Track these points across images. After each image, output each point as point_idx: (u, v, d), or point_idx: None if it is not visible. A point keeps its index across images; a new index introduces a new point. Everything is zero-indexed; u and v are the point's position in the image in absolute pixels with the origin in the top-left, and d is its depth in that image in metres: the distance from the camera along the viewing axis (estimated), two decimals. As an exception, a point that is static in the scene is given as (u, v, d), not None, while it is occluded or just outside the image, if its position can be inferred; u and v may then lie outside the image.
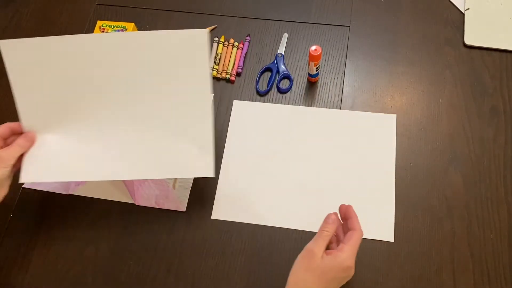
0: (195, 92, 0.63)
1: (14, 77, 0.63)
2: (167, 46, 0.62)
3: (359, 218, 0.65)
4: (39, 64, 0.63)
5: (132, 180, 0.72)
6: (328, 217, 0.59)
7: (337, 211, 0.62)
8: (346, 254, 0.55)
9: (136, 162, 0.63)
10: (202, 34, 0.62)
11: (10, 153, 0.62)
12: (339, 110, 0.77)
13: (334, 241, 0.61)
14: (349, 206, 0.61)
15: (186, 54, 0.62)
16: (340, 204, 0.62)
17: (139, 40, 0.63)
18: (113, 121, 0.64)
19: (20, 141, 0.63)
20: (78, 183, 0.74)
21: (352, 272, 0.56)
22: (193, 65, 0.63)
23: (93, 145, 0.64)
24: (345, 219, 0.61)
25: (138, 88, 0.64)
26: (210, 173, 0.63)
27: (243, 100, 0.79)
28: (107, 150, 0.64)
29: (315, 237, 0.58)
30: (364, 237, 0.67)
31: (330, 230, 0.58)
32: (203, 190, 0.73)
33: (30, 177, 0.63)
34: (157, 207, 0.72)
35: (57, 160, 0.64)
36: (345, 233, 0.59)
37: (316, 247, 0.56)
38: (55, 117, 0.64)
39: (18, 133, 0.65)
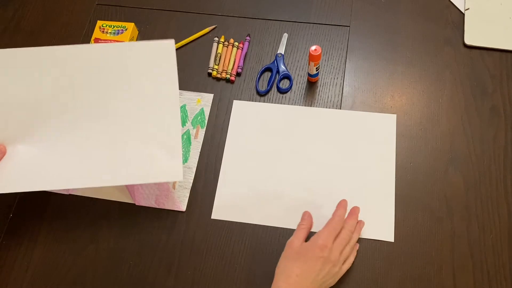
0: (163, 99, 0.64)
1: None
2: (135, 56, 0.64)
3: (358, 217, 0.67)
4: (4, 75, 0.64)
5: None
6: (303, 213, 0.66)
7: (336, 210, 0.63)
8: (321, 236, 0.61)
9: (106, 168, 0.63)
10: (169, 44, 0.64)
11: None
12: (339, 110, 0.77)
13: None
14: (341, 200, 0.67)
15: (155, 64, 0.64)
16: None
17: (108, 51, 0.65)
18: (82, 129, 0.64)
19: None
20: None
21: (331, 254, 0.60)
22: (161, 74, 0.64)
23: (63, 154, 0.64)
24: None
25: (106, 97, 0.65)
26: (179, 177, 0.63)
27: (243, 100, 0.79)
28: (77, 158, 0.64)
29: (294, 232, 0.64)
30: (364, 237, 0.68)
31: (306, 223, 0.65)
32: (203, 190, 0.73)
33: (1, 188, 0.63)
34: (157, 207, 0.72)
35: (28, 171, 0.64)
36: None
37: (295, 238, 0.62)
38: (24, 128, 0.64)
39: None
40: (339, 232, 0.62)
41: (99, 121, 0.64)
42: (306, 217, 0.66)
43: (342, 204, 0.66)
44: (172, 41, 0.64)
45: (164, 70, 0.64)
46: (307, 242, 0.62)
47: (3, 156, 0.64)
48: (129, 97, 0.65)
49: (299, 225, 0.65)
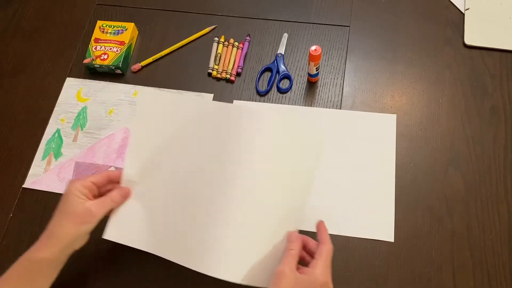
0: (301, 188, 0.60)
1: (137, 124, 0.63)
2: (290, 132, 0.60)
3: (358, 217, 0.67)
4: (163, 119, 0.62)
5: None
6: (289, 235, 0.58)
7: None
8: (320, 270, 0.53)
9: (222, 258, 0.56)
10: (319, 133, 0.61)
11: (101, 208, 0.58)
12: (339, 110, 0.77)
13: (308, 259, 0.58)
14: (319, 221, 0.60)
15: (305, 148, 0.61)
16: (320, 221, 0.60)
17: (277, 124, 0.59)
18: (214, 204, 0.58)
19: (114, 196, 0.59)
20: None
21: (329, 286, 0.54)
22: (307, 155, 0.61)
23: (185, 224, 0.59)
24: (317, 234, 0.59)
25: (252, 175, 0.57)
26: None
27: (243, 100, 0.79)
28: (196, 233, 0.58)
29: (283, 258, 0.54)
30: (364, 237, 0.68)
31: (296, 247, 0.56)
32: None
33: (113, 236, 0.60)
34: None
35: (145, 227, 0.60)
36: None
37: (286, 267, 0.52)
38: (157, 178, 0.61)
39: (115, 182, 0.61)
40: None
41: (238, 205, 0.57)
42: (294, 238, 0.57)
43: (324, 226, 0.59)
44: (322, 131, 0.58)
45: (311, 151, 0.61)
46: (304, 277, 0.53)
47: (125, 200, 0.60)
48: (273, 182, 0.58)
49: (287, 250, 0.55)
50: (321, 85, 0.80)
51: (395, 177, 0.72)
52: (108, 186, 0.61)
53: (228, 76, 0.81)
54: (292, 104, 0.78)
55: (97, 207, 0.58)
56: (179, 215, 0.59)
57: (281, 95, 0.79)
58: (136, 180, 0.62)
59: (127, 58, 0.83)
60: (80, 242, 0.59)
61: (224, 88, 0.81)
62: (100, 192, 0.61)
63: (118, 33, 0.83)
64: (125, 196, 0.61)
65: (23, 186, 0.74)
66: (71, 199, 0.57)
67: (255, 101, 0.79)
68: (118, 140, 0.77)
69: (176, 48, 0.84)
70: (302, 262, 0.57)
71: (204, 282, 0.67)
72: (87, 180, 0.58)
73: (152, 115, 0.62)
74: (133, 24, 0.84)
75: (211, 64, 0.82)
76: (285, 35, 0.85)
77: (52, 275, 0.57)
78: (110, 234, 0.61)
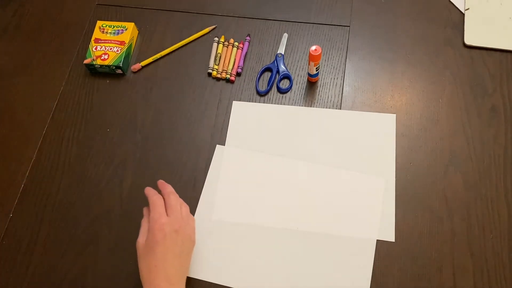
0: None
1: (214, 174, 0.73)
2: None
3: (358, 217, 0.67)
4: (240, 170, 0.73)
5: (132, 180, 0.72)
6: (144, 209, 0.64)
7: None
8: (151, 219, 0.60)
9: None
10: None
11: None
12: (339, 110, 0.77)
13: None
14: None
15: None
16: None
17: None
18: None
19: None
20: (78, 183, 0.74)
21: (172, 224, 0.59)
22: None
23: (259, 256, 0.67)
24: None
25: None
26: None
27: (243, 100, 0.79)
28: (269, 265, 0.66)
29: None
30: (364, 237, 0.67)
31: (147, 217, 0.62)
32: (202, 191, 0.72)
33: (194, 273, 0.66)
34: (158, 207, 0.71)
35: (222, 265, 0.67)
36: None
37: (139, 237, 0.60)
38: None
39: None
40: (167, 203, 0.62)
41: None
42: (146, 212, 0.63)
43: (149, 188, 0.65)
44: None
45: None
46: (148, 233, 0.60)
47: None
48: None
49: (142, 221, 0.62)
50: (321, 85, 0.80)
51: (395, 177, 0.72)
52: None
53: (228, 76, 0.81)
54: (292, 104, 0.78)
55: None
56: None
57: (281, 95, 0.79)
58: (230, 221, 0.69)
59: (127, 58, 0.83)
60: None
61: (224, 88, 0.81)
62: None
63: (118, 33, 0.83)
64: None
65: (23, 186, 0.74)
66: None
67: (255, 101, 0.79)
68: (118, 140, 0.77)
69: (176, 48, 0.84)
70: None
71: (203, 280, 0.67)
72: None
73: (232, 168, 0.73)
74: (133, 24, 0.84)
75: (211, 64, 0.82)
76: (285, 35, 0.85)
77: None
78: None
